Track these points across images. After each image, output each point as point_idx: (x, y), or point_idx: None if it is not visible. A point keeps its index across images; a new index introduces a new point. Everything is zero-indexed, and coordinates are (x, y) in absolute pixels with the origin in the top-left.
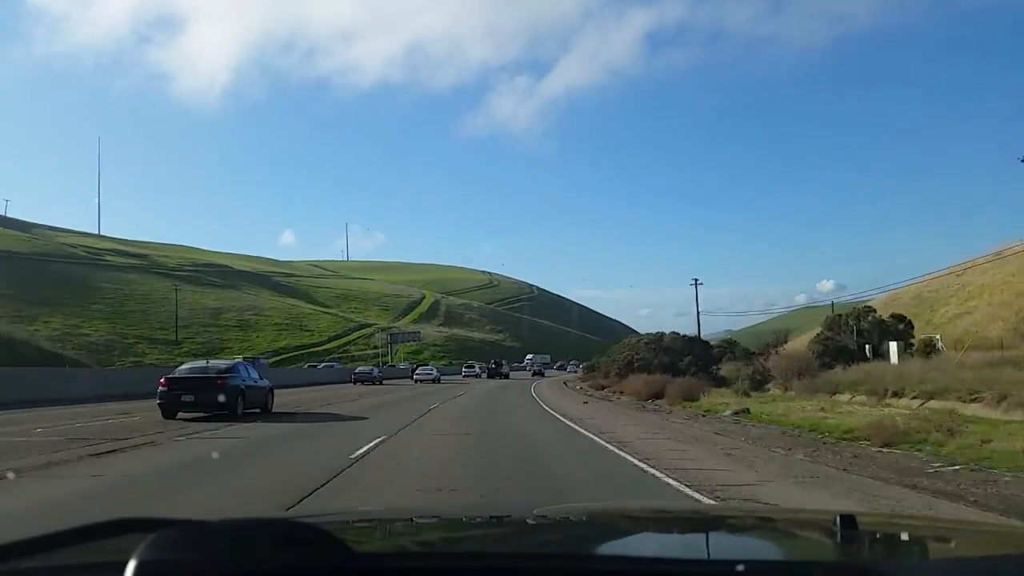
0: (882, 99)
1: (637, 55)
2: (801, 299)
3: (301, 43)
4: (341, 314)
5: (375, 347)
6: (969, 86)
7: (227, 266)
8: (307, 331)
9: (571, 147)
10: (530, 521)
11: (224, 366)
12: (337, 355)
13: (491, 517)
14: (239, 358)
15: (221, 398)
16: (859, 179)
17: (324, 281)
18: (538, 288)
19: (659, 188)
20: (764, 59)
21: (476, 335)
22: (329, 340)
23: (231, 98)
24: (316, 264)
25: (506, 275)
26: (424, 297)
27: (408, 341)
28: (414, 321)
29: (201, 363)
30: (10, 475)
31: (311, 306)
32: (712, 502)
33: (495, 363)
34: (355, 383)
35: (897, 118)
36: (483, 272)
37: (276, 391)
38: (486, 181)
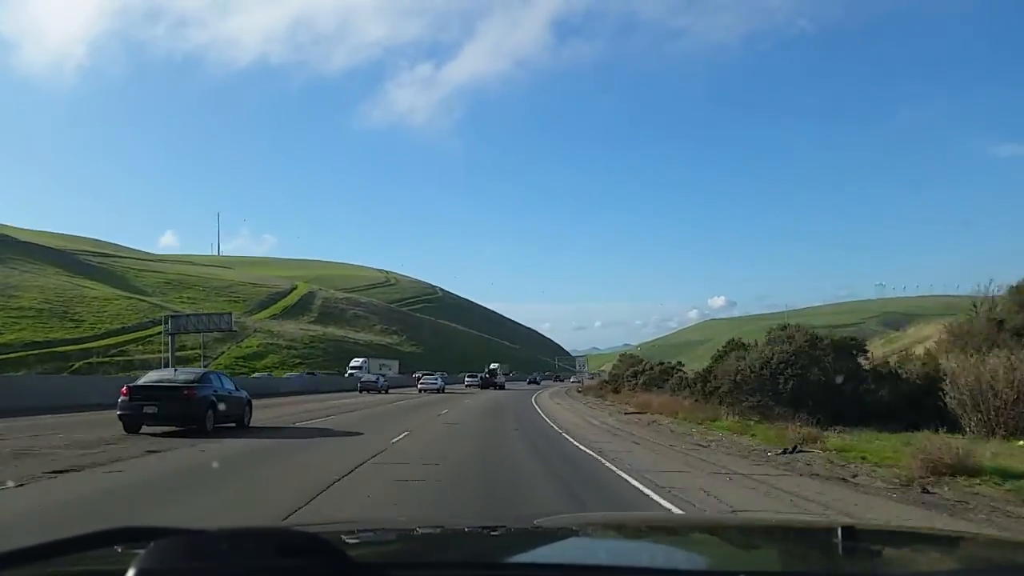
0: (786, 112)
1: (544, 45)
2: (694, 314)
3: (169, 12)
4: (158, 303)
5: (179, 345)
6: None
7: (4, 236)
8: (75, 321)
9: (476, 147)
10: (528, 531)
11: (192, 375)
12: (107, 357)
13: (490, 527)
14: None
15: (188, 410)
16: (751, 197)
17: (157, 266)
18: (442, 289)
19: (562, 196)
20: (673, 55)
21: (362, 336)
22: (106, 335)
23: (87, 75)
24: (181, 258)
25: (406, 274)
26: (295, 288)
27: (210, 330)
28: (274, 316)
29: (168, 371)
30: None
31: (115, 291)
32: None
33: (489, 372)
34: (361, 392)
35: (793, 136)
36: (380, 271)
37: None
38: (386, 177)
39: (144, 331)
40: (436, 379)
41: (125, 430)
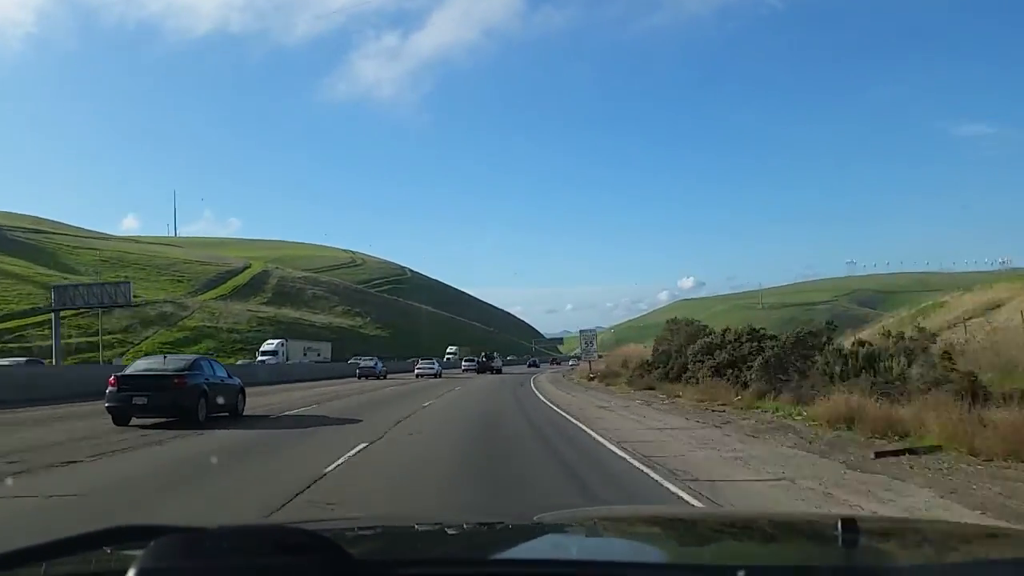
0: (757, 90)
1: (514, 12)
2: (664, 296)
3: None
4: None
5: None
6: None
7: None
8: None
9: (446, 121)
10: (529, 527)
11: (183, 363)
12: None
13: (490, 523)
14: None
15: (179, 400)
16: (720, 177)
17: (96, 243)
18: (411, 271)
19: (532, 176)
20: (647, 26)
21: (320, 318)
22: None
23: (35, 44)
24: (130, 238)
25: (373, 255)
26: (249, 267)
27: (104, 305)
28: (222, 297)
29: (157, 359)
30: None
31: (33, 269)
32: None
33: (486, 356)
34: (359, 378)
35: (765, 117)
36: (345, 251)
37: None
38: (353, 155)
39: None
40: (433, 364)
41: (114, 422)
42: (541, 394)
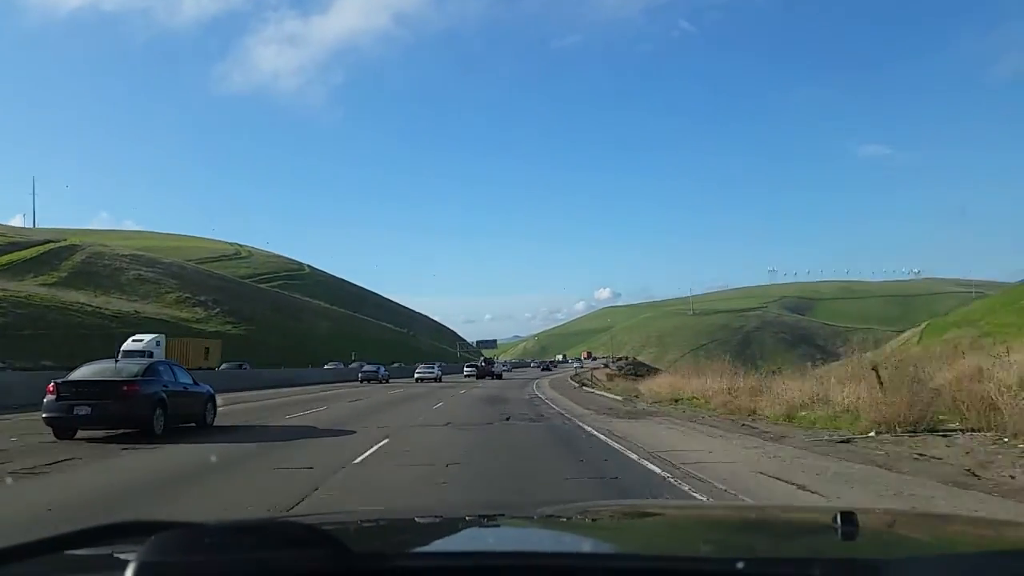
0: (668, 105)
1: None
2: (581, 306)
3: None
4: None
5: None
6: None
7: None
8: None
9: (358, 118)
10: (530, 520)
11: (136, 368)
12: None
13: (492, 516)
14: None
15: (130, 410)
16: (632, 191)
17: None
18: (311, 267)
19: (448, 184)
20: (568, 20)
21: (141, 306)
22: None
23: None
24: None
25: (264, 248)
26: (47, 243)
27: None
28: None
29: (107, 363)
30: None
31: None
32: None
33: (485, 361)
34: (361, 382)
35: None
36: (230, 243)
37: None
38: (253, 150)
39: None
40: (433, 368)
41: (55, 436)
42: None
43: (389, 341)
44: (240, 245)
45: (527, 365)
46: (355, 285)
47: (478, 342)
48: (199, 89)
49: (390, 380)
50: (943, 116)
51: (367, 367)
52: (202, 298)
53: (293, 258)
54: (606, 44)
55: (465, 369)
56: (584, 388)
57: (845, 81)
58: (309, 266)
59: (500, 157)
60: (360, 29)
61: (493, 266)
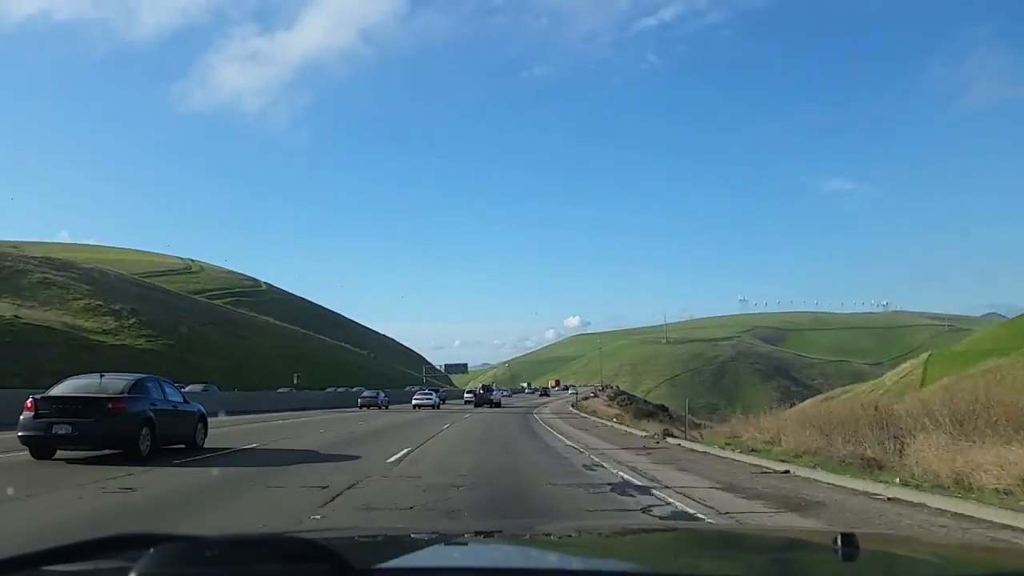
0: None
1: (393, 14)
2: (551, 334)
3: None
4: None
5: None
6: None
7: None
8: None
9: (323, 139)
10: (528, 537)
11: (123, 383)
12: None
13: (490, 533)
14: None
15: (114, 430)
16: (600, 222)
17: None
18: (268, 284)
19: (421, 208)
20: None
21: (39, 314)
22: None
23: None
24: None
25: (219, 264)
26: None
27: None
28: None
29: (91, 378)
30: None
31: None
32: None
33: (484, 388)
34: (361, 408)
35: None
36: (182, 258)
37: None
38: (215, 167)
39: None
40: (430, 395)
41: (32, 455)
42: None
43: (348, 363)
44: (192, 260)
45: (521, 391)
46: (317, 305)
47: (446, 366)
48: (160, 106)
49: (389, 407)
50: (904, 151)
51: (366, 392)
52: (116, 307)
53: (249, 275)
54: (575, 74)
55: (465, 395)
56: (623, 429)
57: (807, 116)
58: (267, 283)
59: (470, 185)
60: (326, 46)
61: (462, 293)
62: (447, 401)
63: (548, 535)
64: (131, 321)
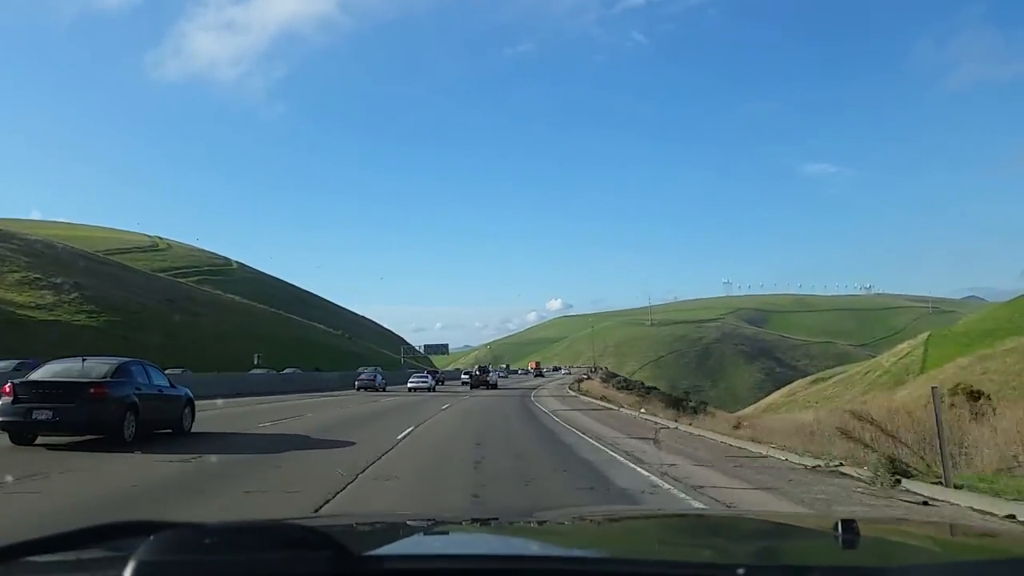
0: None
1: None
2: (532, 316)
3: None
4: None
5: None
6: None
7: None
8: None
9: (300, 115)
10: (527, 524)
11: (106, 367)
12: None
13: (490, 520)
14: None
15: (97, 415)
16: (583, 204)
17: None
18: (239, 263)
19: (402, 189)
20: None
21: None
22: None
23: None
24: None
25: (188, 243)
26: None
27: None
28: None
29: (73, 362)
30: None
31: None
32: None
33: (480, 369)
34: (358, 390)
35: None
36: (149, 236)
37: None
38: (187, 143)
39: None
40: (426, 378)
41: (12, 441)
42: None
43: (320, 344)
44: (160, 238)
45: (515, 373)
46: (291, 285)
47: (426, 347)
48: (133, 75)
49: (387, 388)
50: (886, 133)
51: (364, 374)
52: (58, 280)
53: (219, 253)
54: (559, 52)
55: (462, 377)
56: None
57: (791, 97)
58: (238, 262)
59: (453, 167)
60: (303, 13)
61: (445, 277)
62: (445, 383)
63: (545, 522)
64: (72, 296)
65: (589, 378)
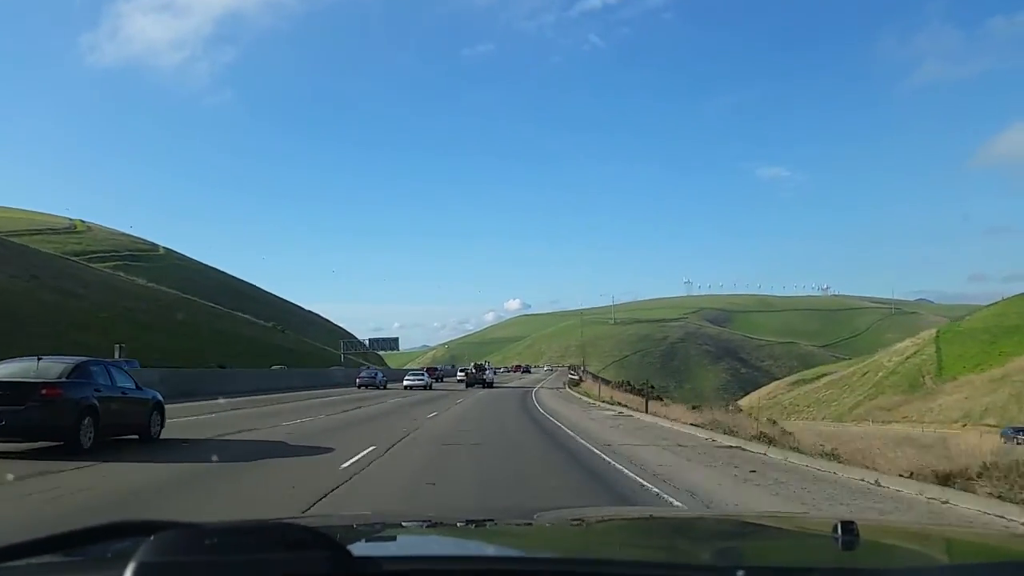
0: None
1: None
2: (490, 316)
3: None
4: None
5: None
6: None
7: None
8: None
9: (248, 103)
10: (526, 525)
11: (62, 367)
12: None
13: (489, 521)
14: None
15: (49, 419)
16: (546, 205)
17: None
18: (167, 248)
19: (352, 186)
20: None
21: None
22: None
23: None
24: None
25: (113, 227)
26: None
27: None
28: None
29: (28, 361)
30: None
31: None
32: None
33: (476, 367)
34: (359, 387)
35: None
36: (69, 219)
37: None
38: (118, 127)
39: None
40: (423, 376)
41: None
42: None
43: (243, 336)
44: (81, 221)
45: (506, 371)
46: (224, 273)
47: (371, 340)
48: (66, 58)
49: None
50: (834, 138)
51: (364, 372)
52: None
53: (146, 238)
54: (517, 51)
55: (458, 375)
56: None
57: (747, 99)
58: (166, 248)
59: (409, 166)
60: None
61: (401, 276)
62: (444, 380)
63: (543, 523)
64: None
65: (581, 379)
